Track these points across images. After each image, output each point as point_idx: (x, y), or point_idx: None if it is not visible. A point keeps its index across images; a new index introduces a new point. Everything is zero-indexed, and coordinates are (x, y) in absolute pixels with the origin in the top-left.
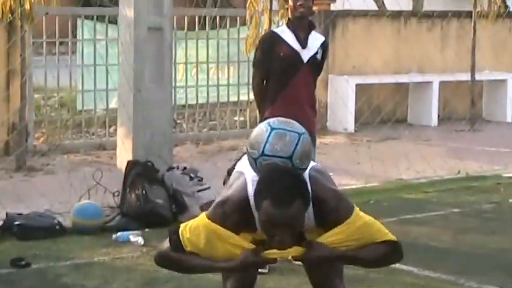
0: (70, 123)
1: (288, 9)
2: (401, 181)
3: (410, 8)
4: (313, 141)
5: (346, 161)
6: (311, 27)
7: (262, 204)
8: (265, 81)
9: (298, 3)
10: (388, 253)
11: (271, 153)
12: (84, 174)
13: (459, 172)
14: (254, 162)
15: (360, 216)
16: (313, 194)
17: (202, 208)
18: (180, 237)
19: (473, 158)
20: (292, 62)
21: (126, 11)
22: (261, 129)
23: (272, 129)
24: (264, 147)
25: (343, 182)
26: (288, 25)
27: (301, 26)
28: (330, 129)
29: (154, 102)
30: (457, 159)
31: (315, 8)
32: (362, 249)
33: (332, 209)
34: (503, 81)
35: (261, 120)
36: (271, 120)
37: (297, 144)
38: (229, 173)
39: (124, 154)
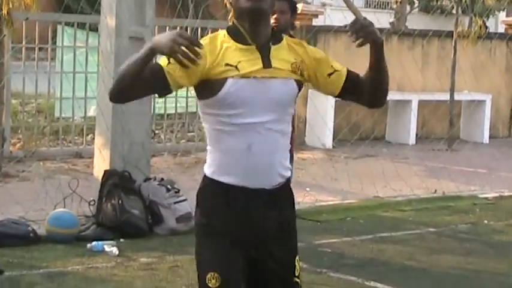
0: (47, 130)
1: None
2: (378, 199)
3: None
4: (291, 156)
5: (323, 177)
6: None
7: None
8: None
9: (273, 18)
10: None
11: None
12: (60, 182)
13: (436, 191)
14: None
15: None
16: None
17: (179, 220)
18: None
19: (450, 178)
20: None
21: (108, 20)
22: None
23: None
24: None
25: (320, 198)
26: None
27: None
28: (308, 144)
29: (133, 112)
30: (434, 178)
31: (296, 23)
32: None
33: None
34: (482, 102)
35: None
36: None
37: None
38: None
39: (101, 163)
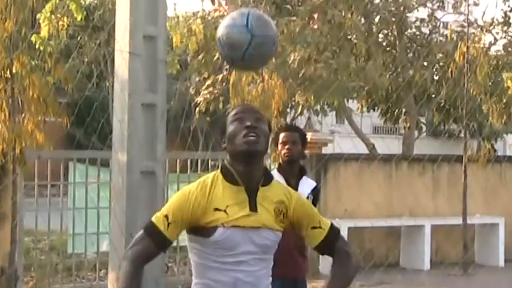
0: (60, 267)
1: (278, 153)
2: None
3: (400, 151)
4: (305, 285)
5: None
6: (302, 172)
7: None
8: None
9: (285, 148)
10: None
11: (250, 59)
12: None
13: None
14: (231, 61)
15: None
16: None
17: None
18: (153, 220)
19: None
20: None
21: (119, 156)
22: (240, 33)
23: (252, 37)
24: (244, 54)
25: None
26: (279, 170)
27: (292, 171)
28: (323, 273)
29: None
30: None
31: (306, 152)
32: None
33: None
34: (495, 225)
35: None
36: (251, 23)
37: (271, 53)
38: None
39: None
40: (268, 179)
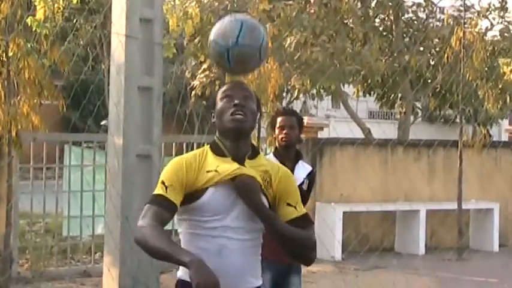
0: (55, 250)
1: (275, 137)
2: None
3: (396, 136)
4: (299, 270)
5: None
6: (298, 156)
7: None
8: None
9: (283, 133)
10: (309, 245)
11: (244, 43)
12: None
13: None
14: (226, 53)
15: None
16: None
17: None
18: (153, 193)
19: None
20: None
21: (115, 139)
22: (231, 22)
23: (242, 22)
24: (238, 37)
25: None
26: (275, 154)
27: (288, 156)
28: (318, 257)
29: None
30: None
31: (302, 136)
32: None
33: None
34: (490, 210)
35: None
36: (237, 16)
37: (263, 38)
38: None
39: (110, 282)
40: (255, 152)
